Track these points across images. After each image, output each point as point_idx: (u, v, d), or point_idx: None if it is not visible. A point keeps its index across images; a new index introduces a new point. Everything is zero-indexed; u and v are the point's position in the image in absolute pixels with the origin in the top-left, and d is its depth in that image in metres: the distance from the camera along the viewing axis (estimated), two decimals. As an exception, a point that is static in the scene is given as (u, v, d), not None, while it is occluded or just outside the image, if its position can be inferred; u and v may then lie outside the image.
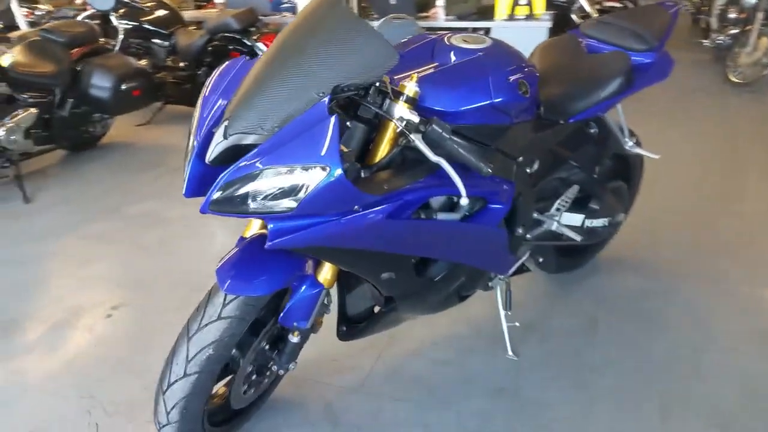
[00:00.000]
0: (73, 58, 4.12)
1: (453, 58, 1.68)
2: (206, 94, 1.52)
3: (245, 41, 4.69)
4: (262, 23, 5.41)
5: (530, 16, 4.85)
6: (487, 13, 5.17)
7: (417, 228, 1.56)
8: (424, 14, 5.56)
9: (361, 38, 1.40)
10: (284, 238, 1.41)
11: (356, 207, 1.43)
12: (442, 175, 1.55)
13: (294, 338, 1.65)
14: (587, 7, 5.85)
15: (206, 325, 1.46)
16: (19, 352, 2.26)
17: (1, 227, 3.38)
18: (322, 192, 1.31)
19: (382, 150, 1.54)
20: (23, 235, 3.27)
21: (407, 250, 1.61)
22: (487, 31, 5.15)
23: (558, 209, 2.19)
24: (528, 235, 2.12)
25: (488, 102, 1.61)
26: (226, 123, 1.38)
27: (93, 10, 4.73)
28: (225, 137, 1.37)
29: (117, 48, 4.51)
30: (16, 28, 5.65)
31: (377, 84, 1.50)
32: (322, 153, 1.30)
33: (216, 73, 1.58)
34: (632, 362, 2.13)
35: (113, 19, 4.62)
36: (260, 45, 4.61)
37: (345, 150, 1.40)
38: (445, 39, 1.75)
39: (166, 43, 5.10)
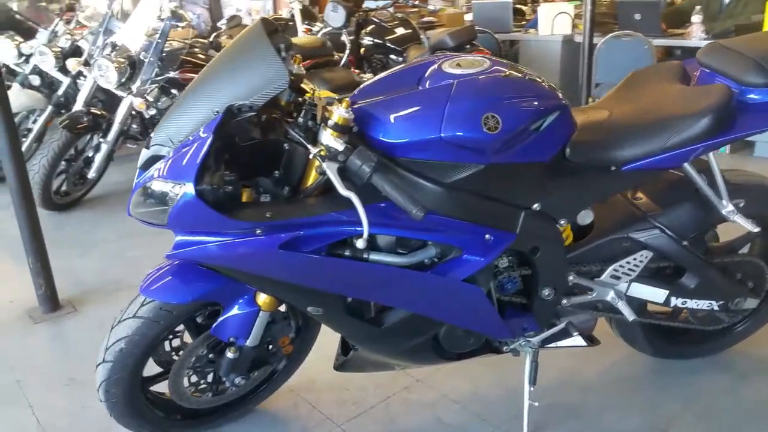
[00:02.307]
0: (301, 69, 4.64)
1: (428, 83, 1.49)
2: None
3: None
4: (493, 43, 5.37)
5: (805, 36, 3.85)
6: (751, 31, 4.27)
7: (325, 265, 1.43)
8: (679, 31, 4.86)
9: (255, 59, 1.35)
10: (183, 250, 1.44)
11: (258, 231, 1.39)
12: (374, 209, 1.40)
13: (230, 353, 1.65)
14: None
15: (124, 320, 1.57)
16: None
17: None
18: (182, 210, 1.32)
19: (313, 176, 1.46)
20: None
21: (324, 287, 1.48)
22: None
23: (616, 276, 1.75)
24: (564, 301, 1.75)
25: (435, 136, 1.39)
26: (152, 134, 1.46)
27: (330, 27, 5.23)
28: (147, 147, 1.46)
29: (343, 62, 4.91)
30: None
31: (305, 107, 1.42)
32: (183, 171, 1.30)
33: None
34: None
35: (344, 35, 5.05)
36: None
37: (224, 171, 1.36)
38: (443, 62, 1.55)
39: (400, 59, 5.39)
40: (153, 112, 3.99)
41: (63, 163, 3.79)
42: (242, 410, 1.93)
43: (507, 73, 1.51)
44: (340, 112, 1.35)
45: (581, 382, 2.06)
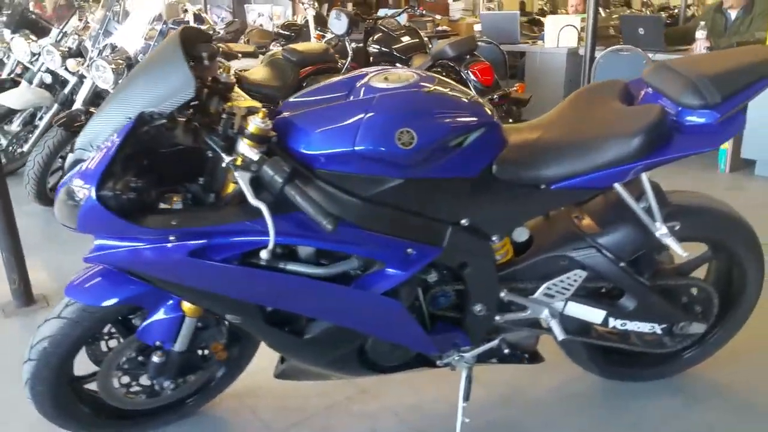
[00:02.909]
0: (300, 75, 4.68)
1: (353, 96, 1.50)
2: None
3: (458, 69, 4.68)
4: (497, 54, 5.34)
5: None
6: (754, 49, 4.18)
7: (237, 274, 1.44)
8: (683, 47, 4.78)
9: (165, 66, 1.37)
10: (98, 254, 1.47)
11: (172, 237, 1.41)
12: (291, 219, 1.42)
13: (156, 357, 1.67)
14: None
15: (49, 319, 1.60)
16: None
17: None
18: (86, 214, 1.35)
19: (232, 185, 1.48)
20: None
21: (240, 296, 1.49)
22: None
23: (550, 295, 1.73)
24: (497, 318, 1.74)
25: (349, 149, 1.40)
26: (77, 138, 1.50)
27: (333, 35, 5.27)
28: (72, 151, 1.49)
29: (344, 69, 4.93)
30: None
31: (224, 116, 1.44)
32: (89, 175, 1.33)
33: None
34: None
35: (346, 43, 5.09)
36: (468, 73, 4.55)
37: (131, 177, 1.37)
38: (373, 75, 1.56)
39: (403, 67, 5.40)
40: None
41: (59, 160, 3.88)
42: (182, 413, 1.95)
43: (431, 88, 1.50)
44: (256, 122, 1.36)
45: (528, 399, 2.04)
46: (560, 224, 1.79)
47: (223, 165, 1.38)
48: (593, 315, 1.78)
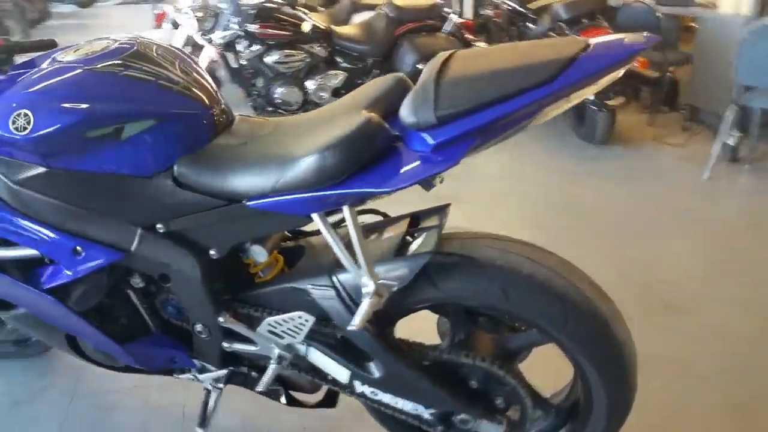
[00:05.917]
0: (396, 33, 4.38)
1: (31, 68, 1.35)
2: None
3: (569, 34, 3.96)
4: (650, 17, 4.41)
5: None
6: None
7: None
8: None
9: None
10: None
11: None
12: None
13: None
14: None
15: None
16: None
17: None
18: None
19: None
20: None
21: None
22: None
23: (275, 333, 1.40)
24: (225, 344, 1.48)
25: None
26: None
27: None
28: None
29: (446, 28, 4.46)
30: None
31: None
32: None
33: None
34: None
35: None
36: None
37: None
38: (73, 47, 1.40)
39: (534, 27, 4.77)
40: (242, 63, 4.17)
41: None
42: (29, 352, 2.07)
43: (102, 66, 1.27)
44: None
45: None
46: (329, 250, 1.42)
47: None
48: (337, 371, 1.41)
